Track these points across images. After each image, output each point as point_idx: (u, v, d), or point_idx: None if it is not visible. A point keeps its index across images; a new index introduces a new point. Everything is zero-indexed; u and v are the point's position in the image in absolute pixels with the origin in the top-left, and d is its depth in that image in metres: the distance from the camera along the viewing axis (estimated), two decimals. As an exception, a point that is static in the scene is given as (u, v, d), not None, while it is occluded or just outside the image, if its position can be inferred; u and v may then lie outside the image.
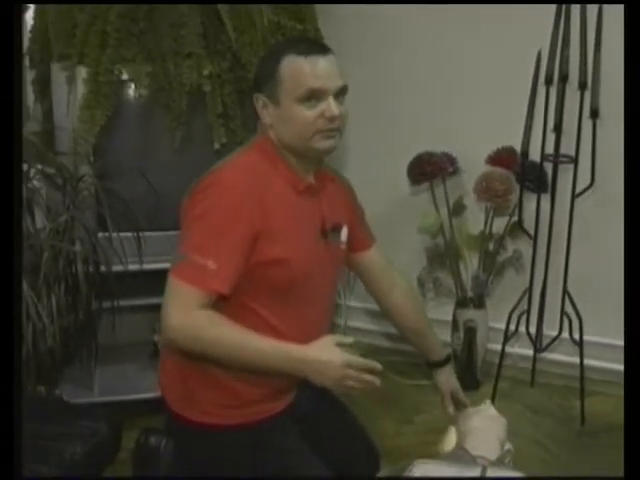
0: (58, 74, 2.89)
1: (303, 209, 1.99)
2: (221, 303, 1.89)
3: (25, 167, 2.72)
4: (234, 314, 1.91)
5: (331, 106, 1.90)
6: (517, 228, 3.35)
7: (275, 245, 1.89)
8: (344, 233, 2.11)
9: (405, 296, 2.31)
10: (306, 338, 2.02)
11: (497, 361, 3.37)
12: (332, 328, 3.68)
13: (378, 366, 1.85)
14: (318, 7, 3.22)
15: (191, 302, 1.81)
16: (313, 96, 1.89)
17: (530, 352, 3.43)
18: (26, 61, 3.10)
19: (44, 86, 3.09)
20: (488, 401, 2.03)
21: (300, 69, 1.89)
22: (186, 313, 1.81)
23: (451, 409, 2.31)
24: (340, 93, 1.93)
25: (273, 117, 1.95)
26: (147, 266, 2.91)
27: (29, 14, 3.09)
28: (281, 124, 1.94)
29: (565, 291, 3.27)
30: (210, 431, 2.01)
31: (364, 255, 2.26)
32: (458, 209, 3.54)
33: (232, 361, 1.86)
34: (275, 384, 2.03)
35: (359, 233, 2.21)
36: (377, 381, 1.85)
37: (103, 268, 2.82)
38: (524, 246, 3.47)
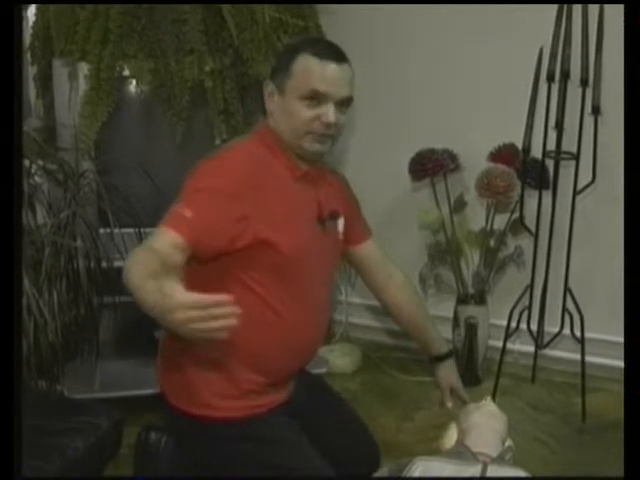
0: (60, 70, 2.89)
1: (299, 195, 2.02)
2: (219, 278, 1.92)
3: (27, 163, 2.73)
4: (232, 291, 1.92)
5: (329, 112, 1.94)
6: (518, 225, 3.34)
7: (266, 228, 1.90)
8: (341, 224, 2.14)
9: (402, 289, 2.33)
10: (306, 321, 2.06)
11: (498, 358, 3.37)
12: (332, 324, 3.71)
13: (224, 298, 1.49)
14: (320, 4, 3.22)
15: (153, 240, 1.78)
16: (315, 98, 1.93)
17: (531, 349, 3.43)
18: (28, 57, 3.10)
19: (46, 82, 3.09)
20: (489, 397, 2.03)
21: (310, 69, 1.94)
22: (139, 250, 1.77)
23: (450, 404, 2.32)
24: (343, 102, 1.98)
25: (275, 106, 2.00)
26: (148, 262, 2.90)
27: (31, 10, 3.09)
28: (280, 115, 1.99)
29: (566, 288, 3.27)
30: (210, 424, 2.02)
31: (361, 248, 2.28)
32: (459, 206, 3.54)
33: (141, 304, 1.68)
34: (275, 372, 2.05)
35: (355, 226, 2.24)
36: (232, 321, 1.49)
37: (104, 264, 2.83)
38: (525, 243, 3.47)
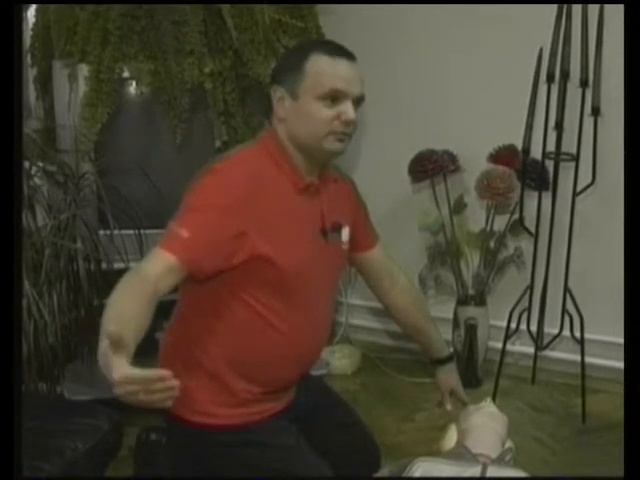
0: (60, 72, 2.89)
1: (302, 207, 1.99)
2: (216, 295, 1.92)
3: (27, 165, 2.73)
4: (231, 309, 1.93)
5: (349, 109, 1.91)
6: (518, 226, 3.35)
7: (263, 243, 1.88)
8: (345, 233, 2.11)
9: (406, 294, 2.33)
10: (307, 334, 2.04)
11: (498, 359, 3.37)
12: (333, 325, 3.70)
13: (163, 373, 1.45)
14: (320, 5, 3.22)
15: (148, 261, 1.78)
16: (333, 96, 1.90)
17: (531, 350, 3.43)
18: (28, 59, 3.10)
19: (46, 84, 3.09)
20: (489, 399, 2.03)
21: (326, 68, 1.91)
22: (131, 274, 1.76)
23: (449, 407, 2.32)
24: (357, 101, 1.95)
25: (288, 111, 1.95)
26: (148, 263, 2.91)
27: (31, 12, 3.09)
28: (296, 119, 1.94)
29: (566, 289, 3.27)
30: (207, 431, 2.01)
31: (367, 254, 2.26)
32: (459, 207, 3.54)
33: None
34: (274, 384, 2.04)
35: (362, 233, 2.22)
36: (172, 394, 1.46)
37: (104, 265, 2.83)
38: (525, 244, 3.47)
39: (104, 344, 1.51)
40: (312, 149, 1.95)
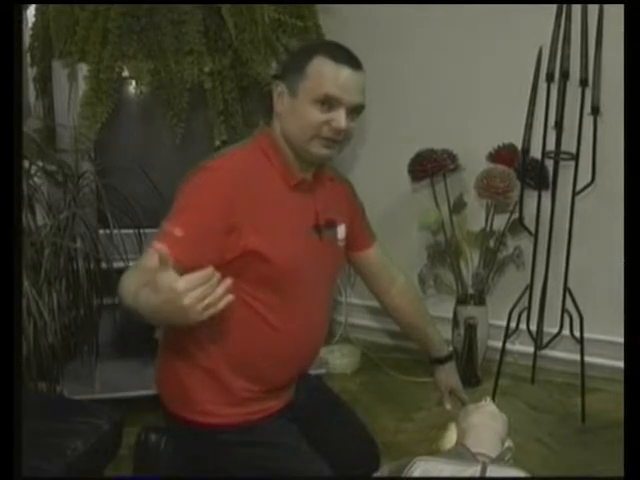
0: (59, 71, 2.89)
1: (294, 204, 2.00)
2: None
3: (26, 164, 2.73)
4: (227, 305, 1.93)
5: (340, 118, 1.92)
6: (518, 225, 3.35)
7: (256, 239, 1.89)
8: (341, 231, 2.12)
9: (404, 293, 2.33)
10: (304, 331, 2.04)
11: (498, 358, 3.37)
12: (332, 325, 3.70)
13: (210, 270, 1.56)
14: (320, 5, 3.22)
15: (145, 259, 1.79)
16: (327, 102, 1.91)
17: (531, 349, 3.43)
18: (27, 58, 3.10)
19: (45, 83, 3.09)
20: (488, 398, 2.03)
21: (326, 72, 1.91)
22: (132, 268, 1.79)
23: (448, 406, 2.33)
24: (355, 109, 1.95)
25: (285, 107, 1.97)
26: (148, 263, 2.90)
27: (30, 11, 3.09)
28: (289, 116, 1.96)
29: (566, 288, 3.27)
30: (207, 430, 2.01)
31: (364, 254, 2.27)
32: (459, 206, 3.54)
33: (142, 313, 1.71)
34: (272, 382, 2.04)
35: (359, 233, 2.23)
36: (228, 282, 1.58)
37: (104, 265, 2.83)
38: (525, 243, 3.47)
39: (153, 299, 1.60)
40: (299, 149, 1.97)
